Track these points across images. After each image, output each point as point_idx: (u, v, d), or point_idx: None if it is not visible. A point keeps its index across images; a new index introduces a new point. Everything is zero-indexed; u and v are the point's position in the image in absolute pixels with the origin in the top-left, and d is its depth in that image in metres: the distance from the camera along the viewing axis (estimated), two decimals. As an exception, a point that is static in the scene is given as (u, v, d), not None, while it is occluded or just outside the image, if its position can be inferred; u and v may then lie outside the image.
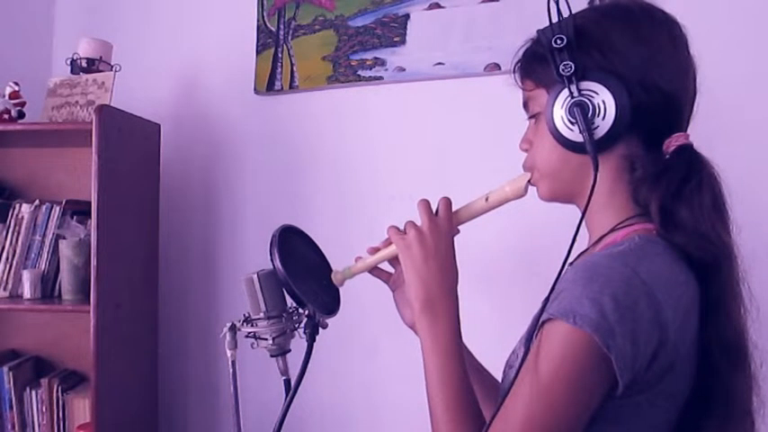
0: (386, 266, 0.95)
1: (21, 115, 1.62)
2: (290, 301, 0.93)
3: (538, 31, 0.75)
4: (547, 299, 0.68)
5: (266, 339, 0.92)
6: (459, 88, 1.56)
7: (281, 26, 1.74)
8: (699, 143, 0.74)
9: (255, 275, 0.92)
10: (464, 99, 1.56)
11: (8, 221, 1.64)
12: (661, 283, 0.65)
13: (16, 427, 1.66)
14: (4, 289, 1.62)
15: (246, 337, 0.93)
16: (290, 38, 1.73)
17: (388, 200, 1.62)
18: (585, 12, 0.76)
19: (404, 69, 1.61)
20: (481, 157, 1.52)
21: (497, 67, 1.49)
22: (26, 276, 1.58)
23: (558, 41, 0.71)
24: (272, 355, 0.94)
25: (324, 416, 1.68)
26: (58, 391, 1.64)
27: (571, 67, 0.70)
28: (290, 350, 0.94)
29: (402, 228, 0.85)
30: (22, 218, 1.63)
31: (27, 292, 1.58)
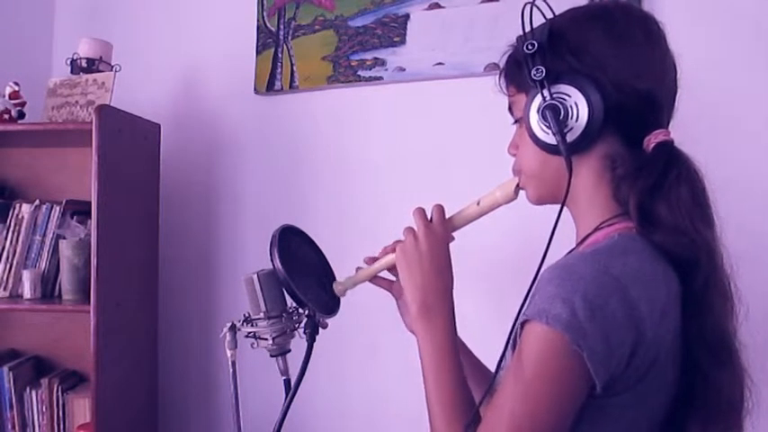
0: (387, 275, 0.96)
1: (21, 115, 1.62)
2: (290, 301, 0.93)
3: (517, 37, 0.77)
4: (525, 299, 0.69)
5: (266, 339, 0.92)
6: (459, 88, 1.56)
7: (281, 26, 1.74)
8: (685, 141, 0.74)
9: (255, 275, 0.92)
10: (464, 99, 1.56)
11: (8, 221, 1.64)
12: (636, 279, 0.66)
13: (16, 427, 1.66)
14: (4, 289, 1.62)
15: (246, 337, 0.93)
16: (290, 38, 1.73)
17: (388, 200, 1.62)
18: (562, 15, 0.77)
19: (404, 69, 1.61)
20: (481, 158, 1.51)
21: (497, 67, 1.46)
22: (26, 276, 1.58)
23: (530, 47, 0.72)
24: (272, 355, 0.94)
25: (324, 416, 1.68)
26: (58, 391, 1.64)
27: (542, 72, 0.71)
28: (290, 350, 0.95)
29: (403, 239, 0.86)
30: (22, 218, 1.63)
31: (27, 292, 1.58)
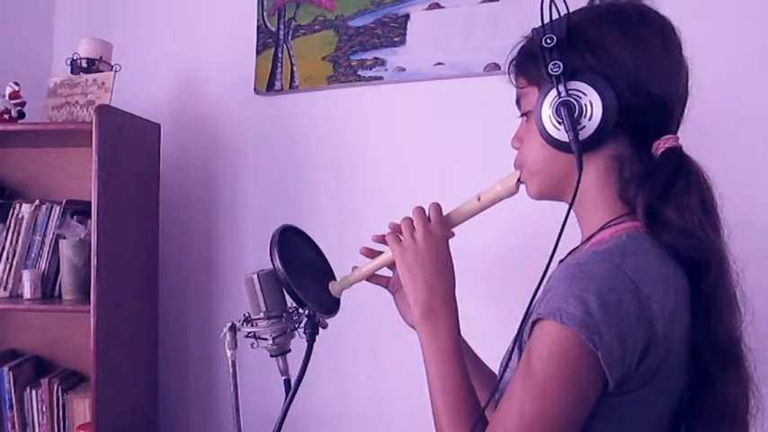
0: (383, 271, 0.96)
1: (21, 115, 1.62)
2: (290, 301, 0.93)
3: (533, 29, 0.75)
4: (533, 298, 0.69)
5: (266, 339, 0.92)
6: (459, 88, 1.56)
7: (281, 26, 1.74)
8: (691, 143, 0.74)
9: (255, 275, 0.92)
10: (464, 99, 1.56)
11: (8, 221, 1.64)
12: (647, 278, 0.66)
13: (16, 427, 1.66)
14: (4, 289, 1.62)
15: (246, 337, 0.93)
16: (290, 38, 1.73)
17: (388, 199, 1.62)
18: (581, 11, 0.76)
19: (404, 69, 1.61)
20: (481, 158, 1.51)
21: (497, 67, 1.49)
22: (26, 276, 1.58)
23: (549, 41, 0.71)
24: (272, 355, 0.94)
25: (324, 416, 1.68)
26: (58, 391, 1.64)
27: (560, 67, 0.71)
28: (290, 350, 0.94)
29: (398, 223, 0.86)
30: (22, 218, 1.63)
31: (27, 292, 1.58)
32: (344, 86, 1.68)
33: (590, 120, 0.71)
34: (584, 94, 0.71)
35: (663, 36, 0.74)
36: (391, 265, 0.93)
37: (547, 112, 0.73)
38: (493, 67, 1.50)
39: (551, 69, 0.71)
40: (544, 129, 0.74)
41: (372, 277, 0.96)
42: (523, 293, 0.70)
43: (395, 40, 1.61)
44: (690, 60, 0.76)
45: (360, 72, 1.65)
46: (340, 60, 1.67)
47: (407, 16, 1.60)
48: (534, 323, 0.67)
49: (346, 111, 1.69)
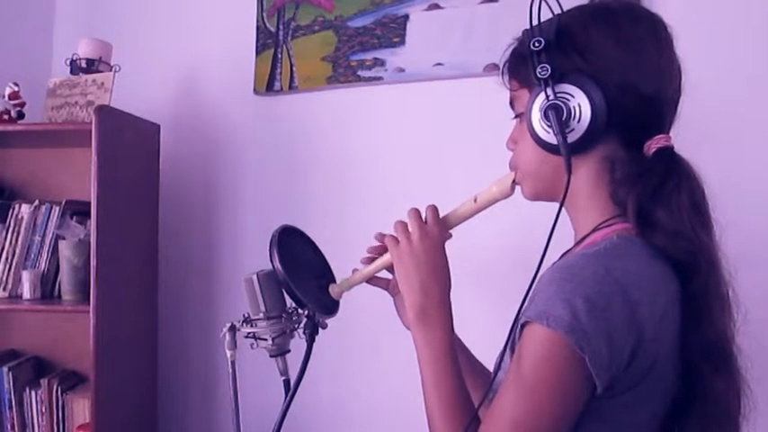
0: (383, 273, 0.96)
1: (20, 116, 1.62)
2: (289, 301, 0.93)
3: (523, 31, 0.75)
4: (524, 300, 0.69)
5: (266, 339, 0.92)
6: (458, 88, 1.56)
7: (281, 26, 1.74)
8: (685, 144, 0.74)
9: (255, 275, 0.92)
10: (464, 99, 1.56)
11: (8, 221, 1.64)
12: (636, 281, 0.65)
13: (16, 428, 1.66)
14: (4, 289, 1.62)
15: (246, 337, 0.94)
16: (289, 38, 1.73)
17: (388, 200, 1.62)
18: (572, 11, 0.76)
19: (403, 70, 1.61)
20: (480, 158, 1.51)
21: (497, 67, 1.46)
22: (26, 276, 1.59)
23: (537, 44, 0.71)
24: (271, 356, 0.94)
25: (324, 416, 1.68)
26: (57, 391, 1.64)
27: (547, 70, 0.70)
28: (289, 350, 0.95)
29: (394, 230, 0.86)
30: (22, 218, 1.64)
31: (27, 292, 1.58)
32: (344, 87, 1.68)
33: (579, 122, 0.71)
34: (573, 96, 0.71)
35: (654, 34, 0.73)
36: (390, 268, 0.93)
37: (536, 115, 0.73)
38: (492, 68, 1.50)
39: (539, 72, 0.71)
40: (534, 132, 0.74)
41: (372, 279, 0.96)
42: (522, 294, 0.70)
43: (394, 40, 1.61)
44: (687, 60, 0.75)
45: (359, 72, 1.65)
46: (339, 61, 1.67)
47: (407, 17, 1.61)
48: (523, 326, 0.67)
49: (346, 111, 1.69)
